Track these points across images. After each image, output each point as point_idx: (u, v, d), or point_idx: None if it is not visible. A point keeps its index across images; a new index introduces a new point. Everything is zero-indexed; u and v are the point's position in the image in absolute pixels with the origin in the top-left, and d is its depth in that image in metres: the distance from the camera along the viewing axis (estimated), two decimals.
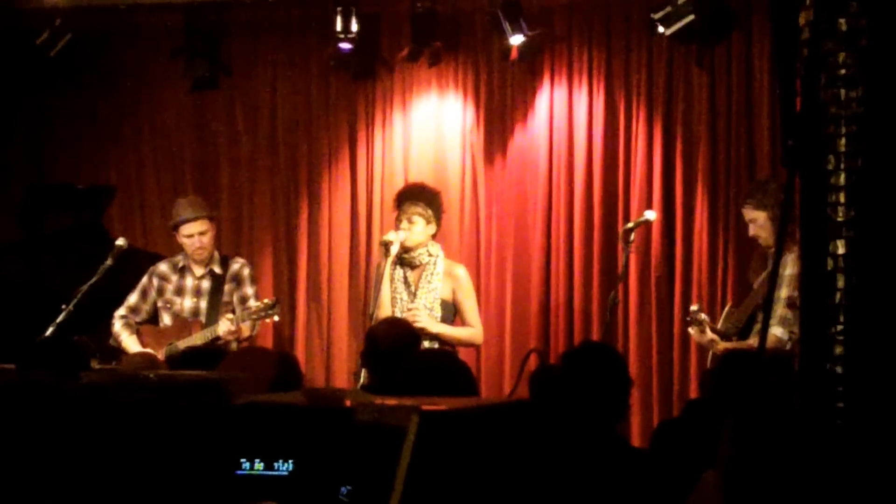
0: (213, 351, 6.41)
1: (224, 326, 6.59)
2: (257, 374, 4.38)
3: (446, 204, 7.02)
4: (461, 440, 3.04)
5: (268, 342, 7.93)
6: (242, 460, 3.10)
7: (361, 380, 5.83)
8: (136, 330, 6.95)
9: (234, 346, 6.66)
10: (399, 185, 7.69)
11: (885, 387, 3.05)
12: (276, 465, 3.08)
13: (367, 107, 8.20)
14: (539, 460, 3.51)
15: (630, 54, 7.63)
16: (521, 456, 3.36)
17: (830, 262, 3.14)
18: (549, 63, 7.80)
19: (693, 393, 7.11)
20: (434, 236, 6.72)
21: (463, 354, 6.57)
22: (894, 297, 3.09)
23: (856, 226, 3.13)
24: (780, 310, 6.15)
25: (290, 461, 3.07)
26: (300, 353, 7.97)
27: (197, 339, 6.71)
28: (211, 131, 8.47)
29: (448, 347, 6.42)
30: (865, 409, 3.05)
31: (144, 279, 7.00)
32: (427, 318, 6.44)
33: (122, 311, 6.98)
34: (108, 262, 6.86)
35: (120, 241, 6.98)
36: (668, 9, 7.14)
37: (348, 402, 3.16)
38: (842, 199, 3.15)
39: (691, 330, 6.45)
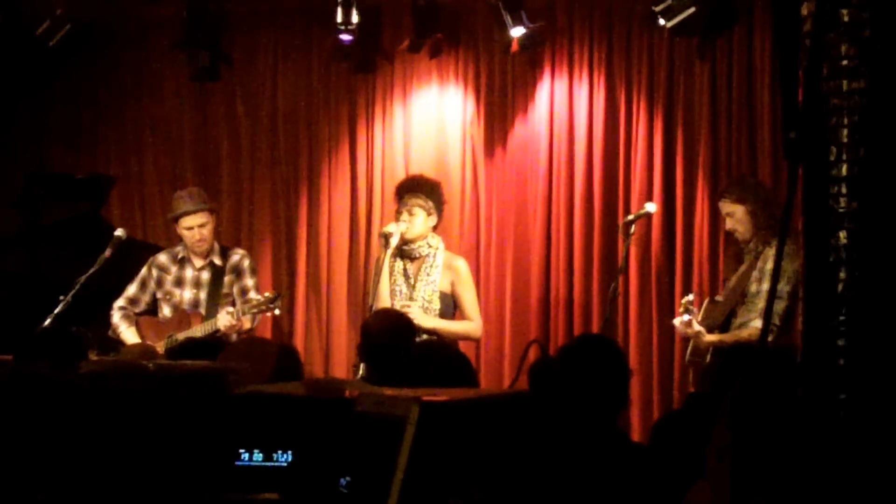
0: (213, 342, 6.39)
1: (224, 320, 6.58)
2: (257, 364, 4.37)
3: (447, 196, 7.00)
4: (461, 431, 3.03)
5: (267, 334, 7.91)
6: (242, 451, 3.09)
7: (360, 372, 5.82)
8: (135, 321, 6.93)
9: (234, 337, 6.65)
10: (399, 177, 7.67)
11: (887, 378, 3.05)
12: (275, 455, 3.08)
13: (367, 99, 8.19)
14: (539, 452, 3.50)
15: (631, 47, 7.62)
16: (521, 447, 3.35)
17: (833, 254, 3.13)
18: (550, 55, 7.78)
19: (693, 385, 7.10)
20: (435, 228, 6.70)
21: (462, 346, 6.57)
22: None
23: (858, 217, 3.13)
24: (760, 303, 6.18)
25: (290, 452, 3.06)
26: (299, 344, 7.96)
27: (196, 331, 6.70)
28: (211, 122, 8.45)
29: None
30: (868, 400, 3.05)
31: (144, 270, 6.99)
32: (420, 313, 6.40)
33: (120, 302, 6.96)
34: (107, 252, 6.84)
35: (119, 232, 6.97)
36: (670, 1, 7.11)
37: (348, 393, 3.15)
38: (844, 190, 3.14)
39: (676, 321, 6.40)
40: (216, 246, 6.98)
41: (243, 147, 8.39)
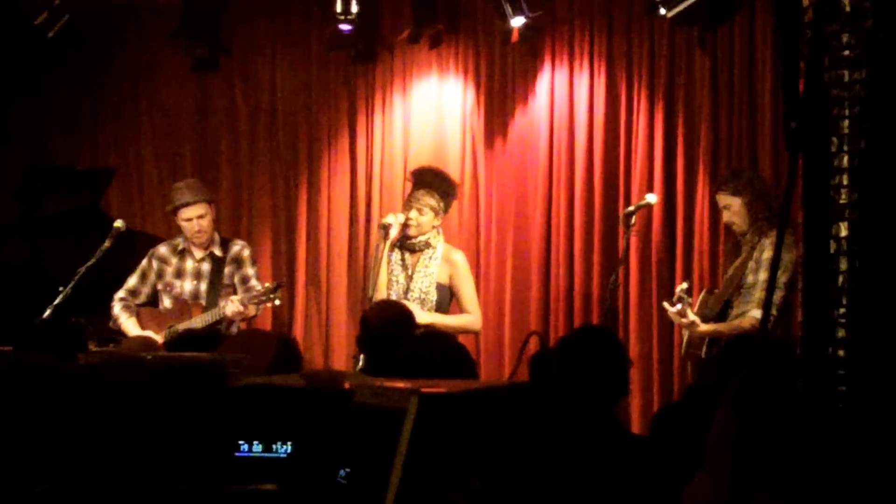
0: (212, 334, 6.39)
1: (231, 307, 6.57)
2: (257, 356, 4.37)
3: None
4: (461, 422, 3.02)
5: (267, 325, 7.92)
6: (241, 442, 3.09)
7: (360, 363, 5.81)
8: (136, 312, 6.93)
9: (234, 328, 6.65)
10: (399, 167, 7.67)
11: (887, 370, 3.04)
12: (274, 447, 3.08)
13: (367, 89, 8.18)
14: (538, 443, 3.50)
15: (631, 36, 7.60)
16: (521, 439, 3.35)
17: (833, 245, 3.12)
18: (551, 45, 7.77)
19: (691, 376, 7.09)
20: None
21: (462, 338, 6.55)
22: None
23: (859, 208, 3.12)
24: (757, 293, 6.17)
25: (289, 443, 3.06)
26: (299, 336, 7.97)
27: (198, 321, 6.69)
28: (210, 113, 8.45)
29: None
30: (867, 392, 3.04)
31: (144, 262, 6.98)
32: (418, 309, 6.38)
33: (121, 293, 6.95)
34: (107, 244, 6.84)
35: (118, 223, 6.96)
36: None
37: (347, 385, 3.15)
38: (845, 181, 3.14)
39: (670, 309, 6.36)
40: (216, 237, 6.97)
41: (242, 137, 8.39)
